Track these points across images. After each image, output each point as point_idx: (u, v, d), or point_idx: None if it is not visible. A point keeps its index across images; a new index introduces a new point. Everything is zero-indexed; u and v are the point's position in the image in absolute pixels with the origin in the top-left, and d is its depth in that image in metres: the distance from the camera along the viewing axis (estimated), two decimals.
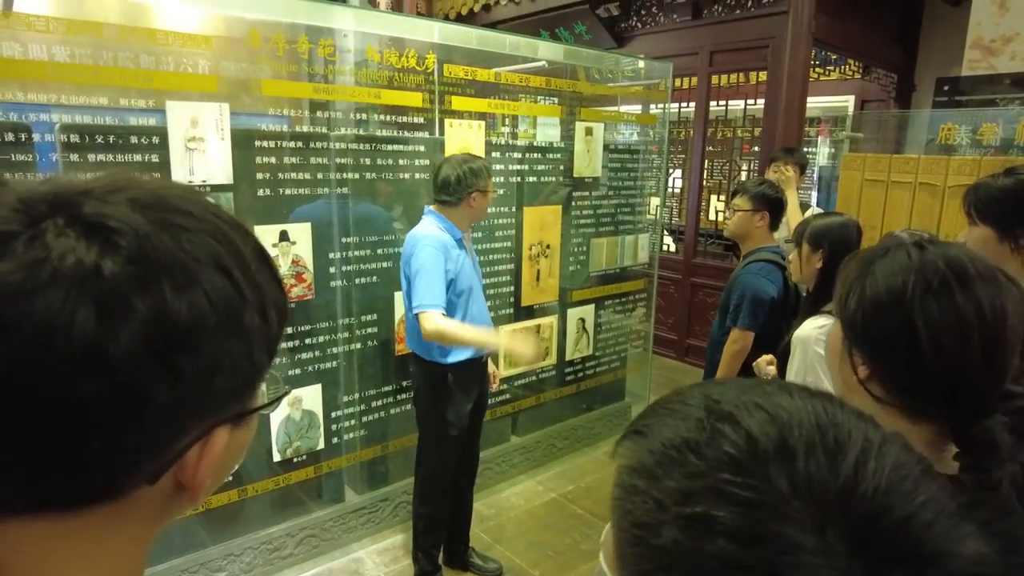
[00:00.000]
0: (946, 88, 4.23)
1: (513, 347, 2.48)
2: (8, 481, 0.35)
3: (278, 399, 0.51)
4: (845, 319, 0.88)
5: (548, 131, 3.62)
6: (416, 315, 2.28)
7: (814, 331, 1.88)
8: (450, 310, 2.36)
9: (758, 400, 0.41)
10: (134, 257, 0.35)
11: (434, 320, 2.24)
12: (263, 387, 0.47)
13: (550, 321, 3.58)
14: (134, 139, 2.16)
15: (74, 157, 2.06)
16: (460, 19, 6.48)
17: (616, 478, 0.43)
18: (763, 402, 0.40)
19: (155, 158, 2.19)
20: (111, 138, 2.12)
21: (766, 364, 2.13)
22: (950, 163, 2.79)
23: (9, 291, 0.33)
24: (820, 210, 3.56)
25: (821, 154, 7.30)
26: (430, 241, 2.30)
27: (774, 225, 2.67)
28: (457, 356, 2.44)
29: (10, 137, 1.94)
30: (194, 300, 0.37)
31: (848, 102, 6.69)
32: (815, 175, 6.66)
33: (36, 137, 1.99)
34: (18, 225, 0.35)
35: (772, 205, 2.62)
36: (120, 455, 0.37)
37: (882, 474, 0.36)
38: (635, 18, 5.50)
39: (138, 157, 2.17)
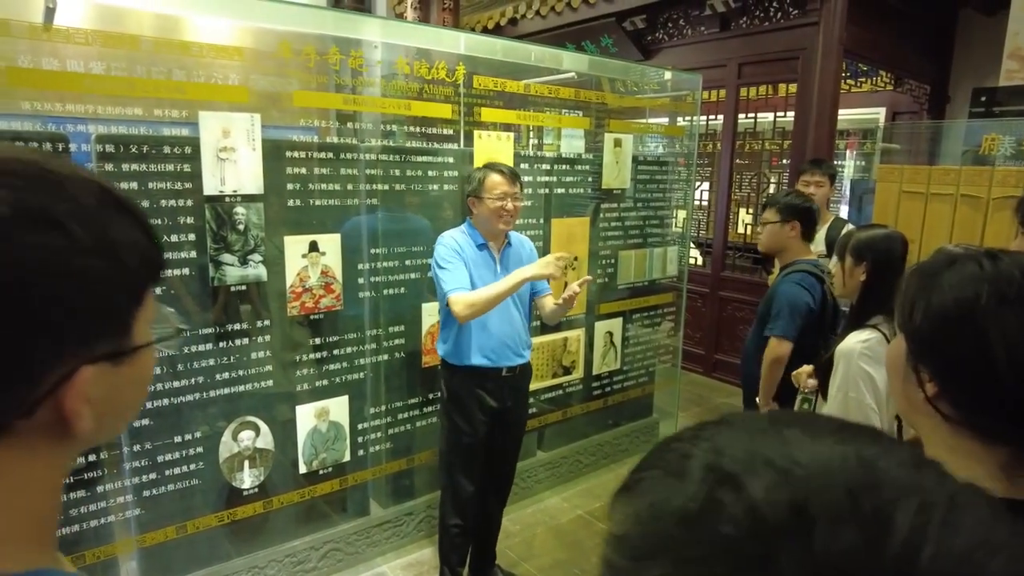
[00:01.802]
0: (983, 99, 4.14)
1: (536, 271, 2.29)
2: None
3: (168, 338, 0.57)
4: (910, 333, 0.82)
5: (576, 143, 3.60)
6: (447, 306, 2.32)
7: (858, 345, 1.82)
8: None
9: (770, 452, 0.32)
10: None
11: (458, 301, 2.27)
12: (152, 328, 0.52)
13: (577, 334, 3.54)
14: (167, 149, 2.18)
15: (109, 167, 2.08)
16: (487, 33, 6.51)
17: (603, 547, 0.35)
18: (776, 454, 0.31)
19: (187, 168, 2.21)
20: (145, 148, 2.14)
21: (806, 376, 2.07)
22: (994, 174, 2.71)
23: None
24: (849, 223, 3.48)
25: (850, 167, 7.19)
26: (442, 240, 2.41)
27: (807, 235, 2.62)
28: (465, 360, 2.42)
29: (48, 147, 1.96)
30: (19, 249, 0.42)
31: (879, 114, 6.59)
32: (846, 188, 6.55)
33: (73, 147, 2.02)
34: None
35: (802, 214, 2.58)
36: None
37: (949, 557, 0.26)
38: (662, 31, 5.47)
39: (171, 167, 2.18)
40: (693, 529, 0.30)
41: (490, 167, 2.43)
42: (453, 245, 2.38)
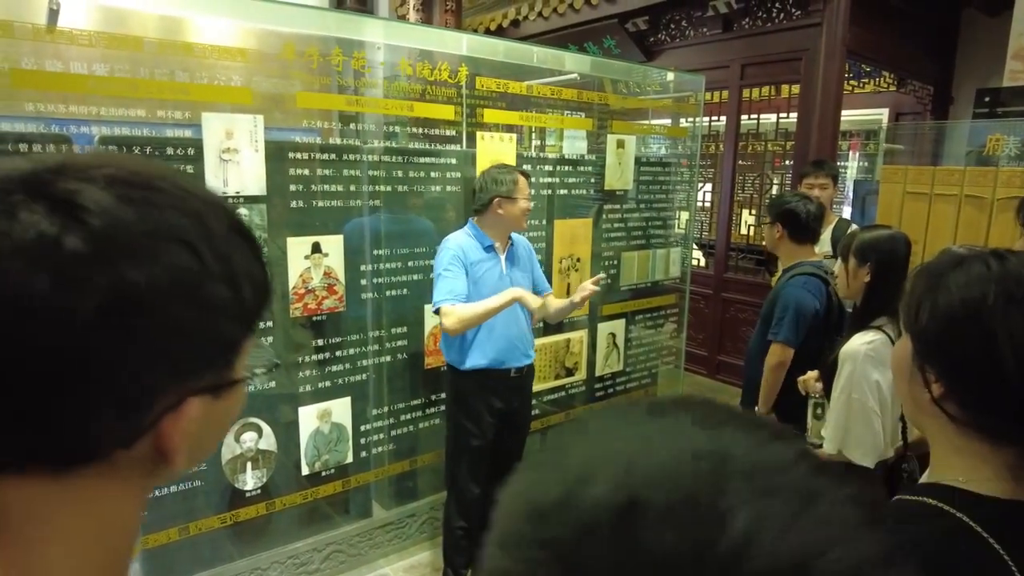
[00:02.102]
0: (987, 99, 4.13)
1: (524, 297, 2.34)
2: None
3: (266, 371, 0.55)
4: (916, 334, 0.81)
5: (579, 144, 3.60)
6: (437, 314, 2.33)
7: (862, 346, 1.81)
8: None
9: (625, 450, 0.30)
10: (96, 231, 0.38)
11: (447, 312, 2.29)
12: (248, 363, 0.50)
13: (580, 335, 3.53)
14: (170, 150, 2.18)
15: None
16: (489, 34, 6.52)
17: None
18: (629, 452, 0.30)
19: (190, 169, 2.21)
20: (148, 149, 2.14)
21: (814, 380, 2.06)
22: (998, 175, 2.70)
23: None
24: (853, 224, 3.47)
25: (852, 168, 7.17)
26: (447, 243, 2.40)
27: (797, 237, 2.58)
28: (473, 363, 2.42)
29: (52, 148, 1.96)
30: (153, 272, 0.39)
31: (882, 115, 6.57)
32: (849, 189, 6.53)
33: (76, 149, 2.02)
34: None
35: (785, 216, 2.55)
36: (84, 414, 0.39)
37: (779, 559, 0.25)
38: (664, 32, 5.46)
39: (174, 168, 2.18)
40: (535, 527, 0.30)
41: (513, 169, 2.45)
42: (456, 251, 2.37)
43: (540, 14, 5.98)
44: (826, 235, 3.45)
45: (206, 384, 0.45)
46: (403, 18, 6.21)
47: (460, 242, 2.41)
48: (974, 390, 0.76)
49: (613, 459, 0.30)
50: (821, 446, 2.00)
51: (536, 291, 2.59)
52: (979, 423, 0.76)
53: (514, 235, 2.56)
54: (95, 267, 0.38)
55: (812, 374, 2.08)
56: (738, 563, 0.25)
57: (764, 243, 2.74)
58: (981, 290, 0.75)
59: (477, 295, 2.39)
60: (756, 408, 2.58)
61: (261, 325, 2.39)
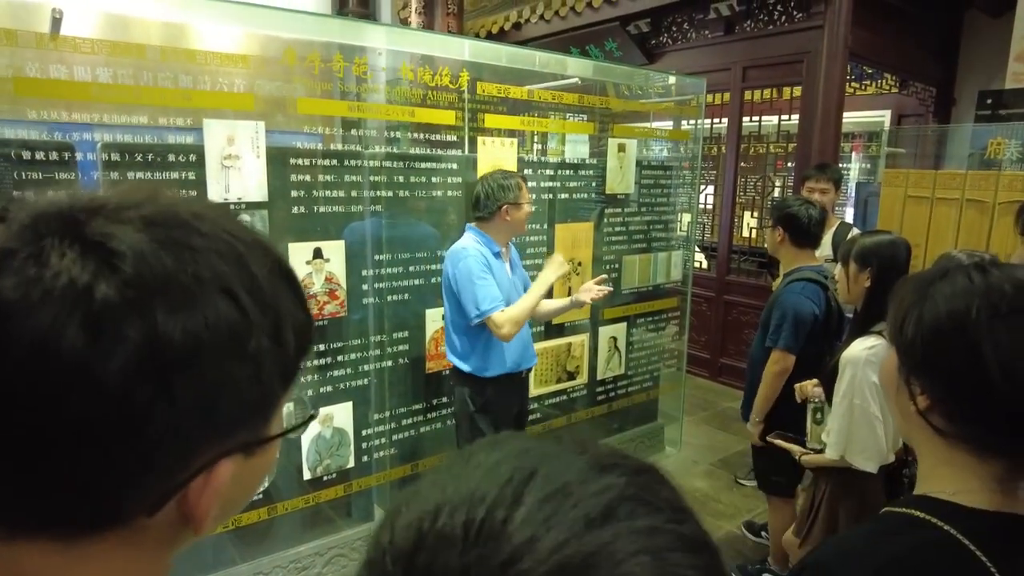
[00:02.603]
0: (989, 101, 4.12)
1: (556, 272, 2.46)
2: (9, 497, 0.36)
3: (300, 426, 0.50)
4: (902, 346, 0.82)
5: (580, 148, 3.60)
6: (484, 324, 2.34)
7: (864, 352, 1.81)
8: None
9: (439, 476, 0.34)
10: (130, 279, 0.35)
11: (499, 319, 2.31)
12: (284, 412, 0.46)
13: (581, 339, 3.54)
14: (172, 157, 2.19)
15: (115, 175, 2.09)
16: (491, 37, 6.53)
17: None
18: (438, 478, 0.34)
19: (192, 175, 2.22)
20: (150, 156, 2.15)
21: (812, 387, 2.06)
22: (1000, 179, 2.70)
23: (3, 309, 0.34)
24: (855, 227, 3.47)
25: (855, 169, 7.16)
26: (469, 252, 2.37)
27: (799, 242, 2.58)
28: (497, 369, 2.44)
29: (55, 156, 1.97)
30: (190, 323, 0.36)
31: (884, 117, 6.56)
32: (851, 191, 6.53)
33: (79, 156, 2.03)
34: (20, 243, 0.36)
35: (786, 221, 2.55)
36: (113, 477, 0.36)
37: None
38: (666, 35, 5.47)
39: (175, 175, 2.20)
40: (366, 567, 0.33)
41: (514, 174, 2.47)
42: (482, 259, 2.36)
43: (542, 17, 5.99)
44: (827, 239, 3.45)
45: (239, 442, 0.41)
46: (405, 21, 6.22)
47: (477, 248, 2.40)
48: (960, 403, 0.77)
49: (419, 497, 0.33)
50: (822, 450, 2.01)
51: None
52: (965, 435, 0.77)
53: None
54: (128, 318, 0.35)
55: (811, 382, 2.08)
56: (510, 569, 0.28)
57: (766, 246, 2.74)
58: (965, 303, 0.75)
59: None
60: (751, 414, 2.58)
61: None
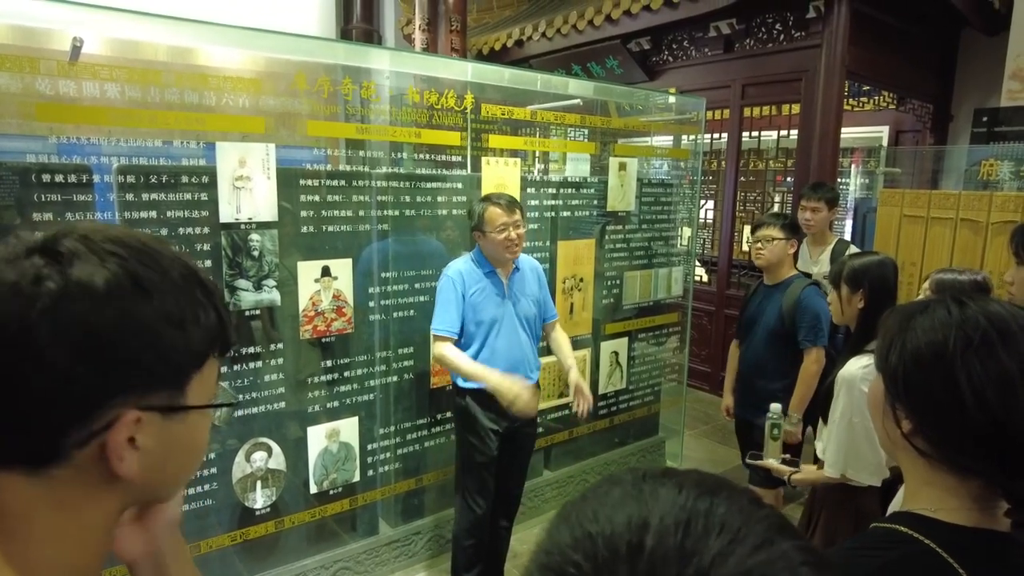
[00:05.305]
0: (985, 119, 4.19)
1: (500, 388, 2.37)
2: None
3: (221, 405, 0.63)
4: (887, 373, 0.88)
5: (582, 166, 3.66)
6: (473, 338, 2.45)
7: (859, 371, 1.85)
8: (468, 339, 2.50)
9: (589, 509, 0.42)
10: (65, 273, 0.50)
11: (438, 345, 2.47)
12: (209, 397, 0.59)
13: (583, 354, 3.58)
14: (185, 178, 2.25)
15: (129, 197, 2.15)
16: (493, 54, 6.61)
17: None
18: (587, 512, 0.41)
19: (204, 196, 2.27)
20: (164, 178, 2.21)
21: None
22: (993, 199, 2.75)
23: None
24: (852, 245, 3.54)
25: (855, 184, 7.21)
26: (448, 270, 2.50)
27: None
28: (472, 383, 2.48)
29: (72, 179, 2.03)
30: (106, 305, 0.50)
31: (882, 133, 6.62)
32: (850, 205, 6.58)
33: (96, 178, 2.09)
34: (13, 256, 0.51)
35: (800, 234, 2.88)
36: (45, 417, 0.50)
37: None
38: (666, 52, 5.55)
39: (188, 196, 2.25)
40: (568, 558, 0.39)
41: (488, 200, 2.47)
42: (454, 278, 2.47)
43: (544, 34, 6.08)
44: (825, 255, 3.51)
45: (153, 403, 0.54)
46: (409, 37, 6.31)
47: (460, 268, 2.48)
48: (939, 427, 0.83)
49: (626, 515, 0.39)
50: (787, 463, 2.10)
51: (541, 315, 2.67)
52: (945, 457, 0.83)
53: (522, 258, 2.61)
54: (59, 297, 0.49)
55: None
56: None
57: (763, 256, 2.87)
58: (943, 335, 0.82)
59: (476, 318, 2.47)
60: (789, 412, 2.56)
61: (272, 347, 2.46)
